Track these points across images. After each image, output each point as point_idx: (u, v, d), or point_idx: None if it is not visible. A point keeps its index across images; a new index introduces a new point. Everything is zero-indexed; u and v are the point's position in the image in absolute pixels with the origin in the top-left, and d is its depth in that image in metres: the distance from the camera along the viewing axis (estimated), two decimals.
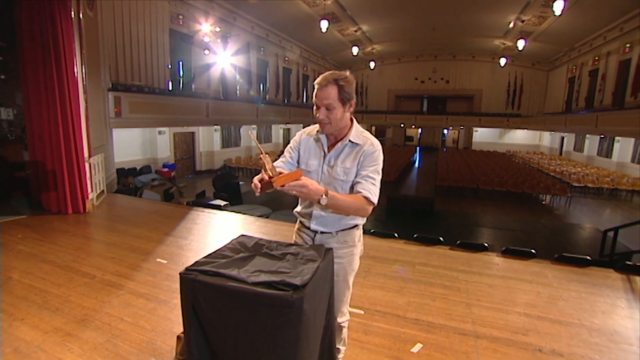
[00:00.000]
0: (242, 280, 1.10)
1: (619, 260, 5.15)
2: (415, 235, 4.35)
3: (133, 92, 8.97)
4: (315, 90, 1.43)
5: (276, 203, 7.64)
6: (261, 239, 1.56)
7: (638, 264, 3.59)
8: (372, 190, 1.45)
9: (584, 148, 17.18)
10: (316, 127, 1.60)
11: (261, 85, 17.73)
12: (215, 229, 4.53)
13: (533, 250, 3.93)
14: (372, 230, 4.59)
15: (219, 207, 5.70)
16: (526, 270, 3.55)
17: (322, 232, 1.59)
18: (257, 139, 17.21)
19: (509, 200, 11.02)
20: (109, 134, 7.62)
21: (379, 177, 1.51)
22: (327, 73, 1.42)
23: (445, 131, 30.63)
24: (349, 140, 1.52)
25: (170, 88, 11.57)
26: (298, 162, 1.63)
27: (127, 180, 8.84)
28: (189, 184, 9.69)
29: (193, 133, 13.27)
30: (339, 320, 1.69)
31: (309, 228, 1.62)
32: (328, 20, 15.26)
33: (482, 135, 27.02)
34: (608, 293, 3.06)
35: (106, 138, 7.21)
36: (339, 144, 1.53)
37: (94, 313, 2.41)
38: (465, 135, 28.40)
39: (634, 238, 6.15)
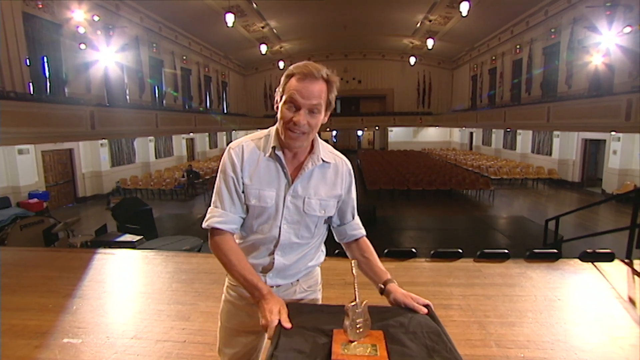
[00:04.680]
0: None
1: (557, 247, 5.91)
2: (386, 251, 4.22)
3: None
4: (294, 82, 1.09)
5: (199, 228, 6.79)
6: (319, 306, 1.12)
7: (595, 251, 4.04)
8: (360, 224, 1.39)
9: (491, 142, 19.92)
10: (262, 136, 1.22)
11: (156, 89, 16.13)
12: (138, 277, 3.68)
13: (506, 251, 4.13)
14: (336, 251, 4.29)
15: (131, 245, 4.75)
16: (509, 273, 3.68)
17: (278, 286, 1.26)
18: (155, 151, 15.67)
19: (440, 198, 11.97)
20: None
21: None
22: (310, 63, 1.10)
23: (360, 132, 32.43)
24: (322, 160, 1.21)
25: (31, 92, 9.58)
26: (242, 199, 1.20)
27: None
28: (72, 217, 8.02)
29: (71, 150, 11.23)
30: None
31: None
32: (234, 14, 14.69)
33: (397, 135, 29.32)
34: (591, 285, 3.32)
35: None
36: (309, 164, 1.18)
37: None
38: (381, 135, 30.47)
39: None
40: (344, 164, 1.28)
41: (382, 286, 1.26)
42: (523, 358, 2.29)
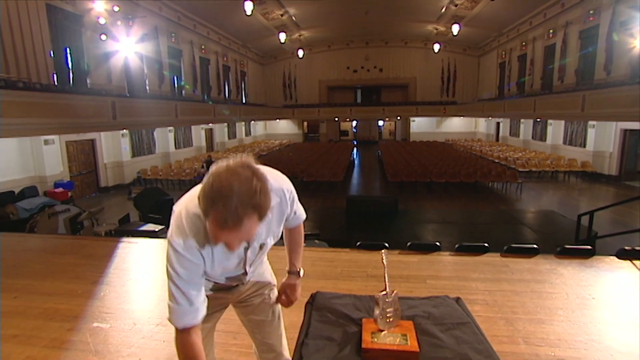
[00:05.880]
0: None
1: (591, 244, 5.72)
2: (409, 244, 4.20)
3: (1, 88, 7.42)
4: (214, 226, 0.96)
5: None
6: (346, 296, 1.14)
7: (634, 248, 3.90)
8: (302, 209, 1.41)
9: (519, 133, 19.35)
10: (201, 227, 1.10)
11: (175, 79, 16.41)
12: (161, 266, 3.80)
13: (535, 246, 4.04)
14: (358, 244, 4.31)
15: (153, 234, 4.91)
16: (538, 269, 3.61)
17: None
18: (175, 142, 16.02)
19: (464, 191, 11.76)
20: None
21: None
22: (227, 203, 0.91)
23: (381, 123, 32.07)
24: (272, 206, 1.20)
25: (55, 83, 9.93)
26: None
27: (4, 210, 7.26)
28: (96, 206, 8.35)
29: (93, 140, 11.62)
30: None
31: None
32: (252, 2, 14.71)
33: (420, 126, 28.84)
34: (629, 284, 3.22)
35: None
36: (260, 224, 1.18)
37: None
38: (403, 126, 30.06)
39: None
40: (285, 192, 1.26)
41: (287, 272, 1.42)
42: (554, 357, 2.25)
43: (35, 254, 4.11)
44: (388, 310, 0.95)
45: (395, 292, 0.98)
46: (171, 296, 1.11)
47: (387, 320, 0.95)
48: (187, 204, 1.12)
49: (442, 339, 0.93)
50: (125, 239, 4.48)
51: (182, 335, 1.13)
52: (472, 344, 0.91)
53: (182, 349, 1.13)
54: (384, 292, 0.97)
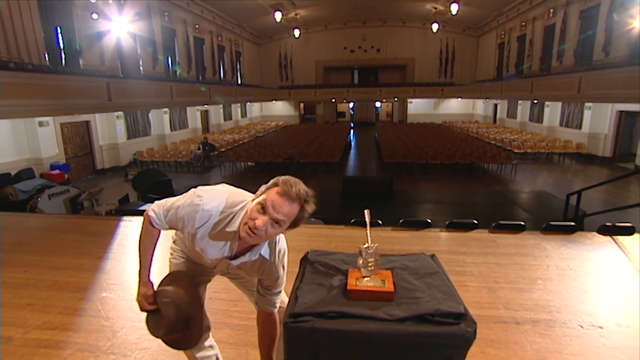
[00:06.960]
0: (379, 318, 0.89)
1: (579, 221, 5.95)
2: (401, 221, 4.41)
3: None
4: (274, 193, 1.20)
5: None
6: (336, 253, 1.33)
7: (614, 224, 4.12)
8: (275, 302, 1.41)
9: (517, 114, 19.48)
10: (235, 210, 1.29)
11: (169, 59, 16.31)
12: (161, 242, 3.97)
13: (522, 223, 4.26)
14: (352, 221, 4.51)
15: None
16: (523, 244, 3.83)
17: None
18: (170, 123, 16.05)
19: (459, 172, 11.98)
20: None
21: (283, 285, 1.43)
22: (297, 184, 1.21)
23: (378, 104, 32.03)
24: (260, 254, 1.35)
25: (48, 63, 9.90)
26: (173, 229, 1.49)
27: (4, 192, 7.40)
28: (94, 188, 8.48)
29: (87, 122, 11.65)
30: None
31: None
32: None
33: (417, 107, 28.83)
34: (607, 257, 3.45)
35: None
36: (247, 254, 1.35)
37: None
38: (400, 107, 30.04)
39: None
40: (275, 256, 1.37)
41: None
42: (529, 319, 2.48)
43: (39, 232, 4.28)
44: (370, 260, 1.14)
45: (376, 245, 1.16)
46: (161, 205, 1.41)
47: (369, 269, 1.14)
48: (237, 197, 1.33)
49: (415, 284, 1.12)
50: (125, 218, 4.65)
51: (146, 222, 1.45)
52: (439, 287, 1.10)
53: (144, 229, 1.47)
54: (367, 245, 1.16)
